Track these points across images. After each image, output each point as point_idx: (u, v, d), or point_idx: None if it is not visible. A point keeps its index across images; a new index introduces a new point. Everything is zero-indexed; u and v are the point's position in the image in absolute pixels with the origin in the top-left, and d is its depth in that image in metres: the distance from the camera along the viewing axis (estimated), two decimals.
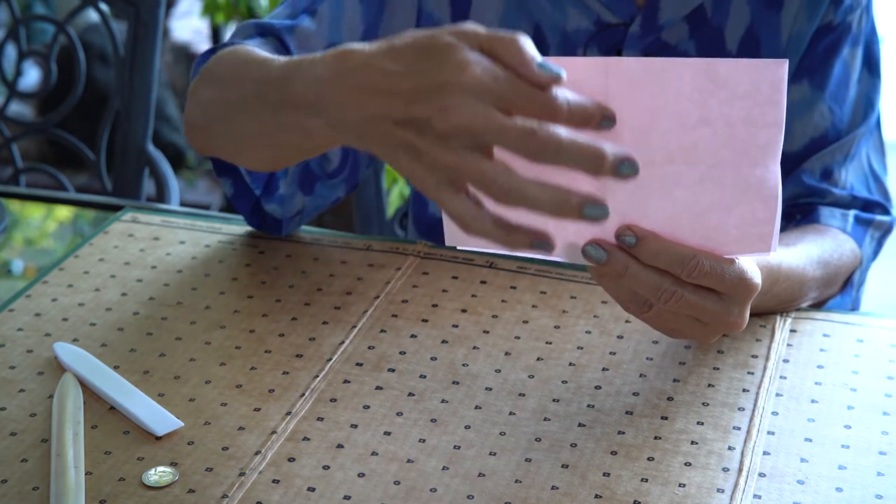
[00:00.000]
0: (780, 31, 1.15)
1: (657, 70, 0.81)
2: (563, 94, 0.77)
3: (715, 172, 0.82)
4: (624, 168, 0.77)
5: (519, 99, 0.76)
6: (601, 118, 0.78)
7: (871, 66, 1.20)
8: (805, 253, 1.06)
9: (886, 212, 1.19)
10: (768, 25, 1.15)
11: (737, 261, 0.86)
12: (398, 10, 1.15)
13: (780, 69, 0.80)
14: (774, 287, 0.99)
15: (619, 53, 1.15)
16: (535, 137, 0.75)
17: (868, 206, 1.18)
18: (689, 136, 0.82)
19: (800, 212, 1.17)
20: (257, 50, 1.00)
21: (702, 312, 0.87)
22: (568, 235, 0.85)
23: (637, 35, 1.14)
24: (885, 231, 1.19)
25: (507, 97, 0.76)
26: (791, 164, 1.18)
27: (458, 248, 0.88)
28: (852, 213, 1.16)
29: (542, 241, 0.78)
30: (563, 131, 0.76)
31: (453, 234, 0.86)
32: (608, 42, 1.16)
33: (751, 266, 0.87)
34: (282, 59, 0.91)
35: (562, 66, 0.76)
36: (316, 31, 1.11)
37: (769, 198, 0.83)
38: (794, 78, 1.17)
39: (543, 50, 1.16)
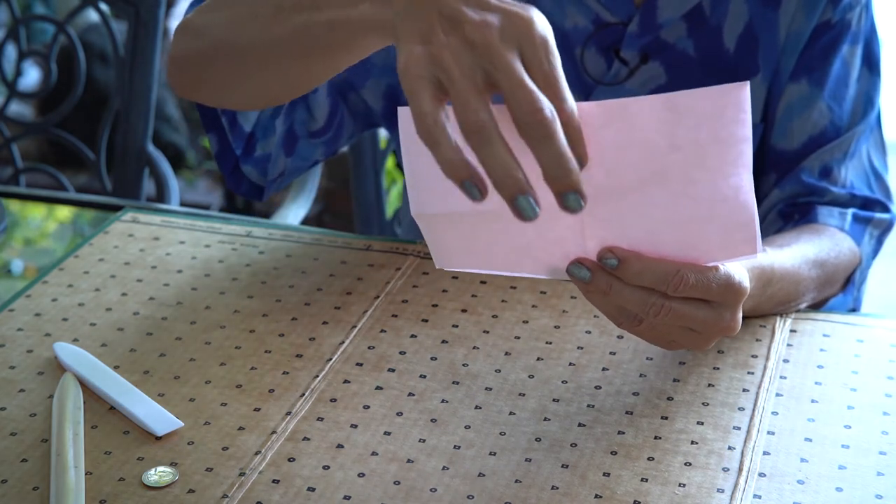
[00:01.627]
0: (779, 29, 1.16)
1: (618, 110, 0.80)
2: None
3: (690, 189, 0.82)
4: (570, 199, 0.76)
5: (550, 73, 0.76)
6: (580, 161, 0.78)
7: (871, 64, 1.20)
8: (800, 253, 1.05)
9: (886, 209, 1.19)
10: (766, 23, 1.15)
11: (721, 267, 0.85)
12: None
13: (741, 91, 0.79)
14: (768, 289, 0.99)
15: (616, 52, 1.15)
16: (541, 112, 0.75)
17: (867, 204, 1.18)
18: (660, 163, 0.81)
19: (798, 211, 1.17)
20: None
21: (693, 322, 0.86)
22: (553, 260, 0.85)
23: (635, 34, 1.15)
24: (885, 229, 1.19)
25: (541, 61, 0.76)
26: (790, 162, 1.18)
27: (447, 269, 0.88)
28: (850, 211, 1.16)
29: (474, 183, 0.76)
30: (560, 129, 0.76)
31: (442, 257, 0.87)
32: (606, 41, 1.16)
33: (737, 270, 0.86)
34: None
35: None
36: None
37: (746, 202, 0.82)
38: (792, 76, 1.17)
39: None
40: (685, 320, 0.86)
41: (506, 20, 0.76)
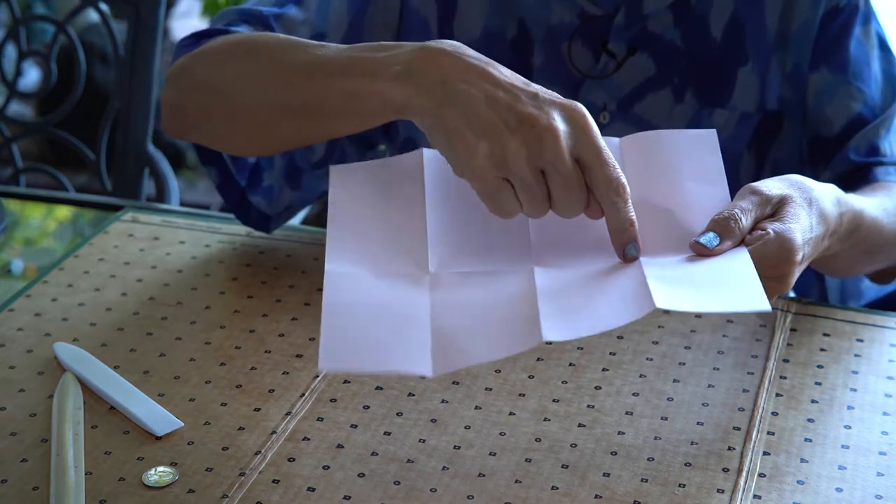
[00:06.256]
0: (765, 17, 1.16)
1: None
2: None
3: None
4: (631, 249, 0.88)
5: (604, 165, 0.87)
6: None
7: (882, 43, 1.21)
8: (880, 204, 1.06)
9: None
10: (752, 11, 1.16)
11: (771, 231, 0.89)
12: (381, 4, 1.16)
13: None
14: (857, 233, 1.00)
15: (604, 45, 1.15)
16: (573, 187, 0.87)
17: None
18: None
19: (854, 179, 1.16)
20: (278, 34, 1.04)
21: None
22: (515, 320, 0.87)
23: (622, 25, 1.15)
24: None
25: (591, 155, 0.87)
26: (834, 146, 1.18)
27: (333, 373, 0.93)
28: None
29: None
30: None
31: (328, 357, 0.83)
32: (593, 34, 1.16)
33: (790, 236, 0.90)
34: (317, 43, 0.98)
35: None
36: (303, 19, 1.13)
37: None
38: (811, 67, 1.17)
39: (528, 46, 1.16)
40: None
41: (576, 115, 0.87)
